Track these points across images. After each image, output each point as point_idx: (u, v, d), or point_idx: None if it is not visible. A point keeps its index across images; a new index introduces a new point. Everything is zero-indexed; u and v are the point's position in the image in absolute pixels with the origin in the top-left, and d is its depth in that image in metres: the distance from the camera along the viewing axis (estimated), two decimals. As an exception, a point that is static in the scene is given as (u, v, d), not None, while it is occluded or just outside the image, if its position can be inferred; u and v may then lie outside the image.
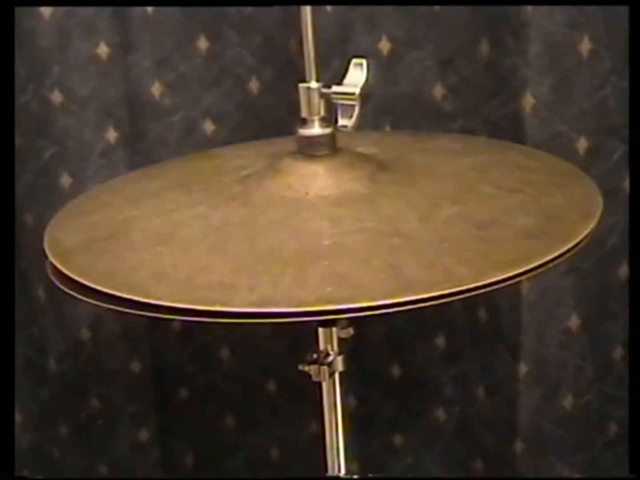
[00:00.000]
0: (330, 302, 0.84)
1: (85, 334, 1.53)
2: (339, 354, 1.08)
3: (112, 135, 1.44)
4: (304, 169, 1.03)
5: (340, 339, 1.08)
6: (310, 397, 1.14)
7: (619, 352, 1.44)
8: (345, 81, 1.02)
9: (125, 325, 1.53)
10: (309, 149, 1.04)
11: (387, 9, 1.36)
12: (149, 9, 1.39)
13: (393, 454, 1.58)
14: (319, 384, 1.11)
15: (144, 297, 0.87)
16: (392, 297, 0.83)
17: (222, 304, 0.84)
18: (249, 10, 1.40)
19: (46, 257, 0.99)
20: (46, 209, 1.34)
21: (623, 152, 1.34)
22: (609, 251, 1.39)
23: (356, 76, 1.02)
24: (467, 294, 0.84)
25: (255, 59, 1.43)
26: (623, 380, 1.42)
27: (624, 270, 1.40)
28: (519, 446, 1.48)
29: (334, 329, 1.08)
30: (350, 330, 1.08)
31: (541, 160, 1.18)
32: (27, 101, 1.40)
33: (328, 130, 1.04)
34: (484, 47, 1.35)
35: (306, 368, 1.08)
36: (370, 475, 1.21)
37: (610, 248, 1.38)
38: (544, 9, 1.28)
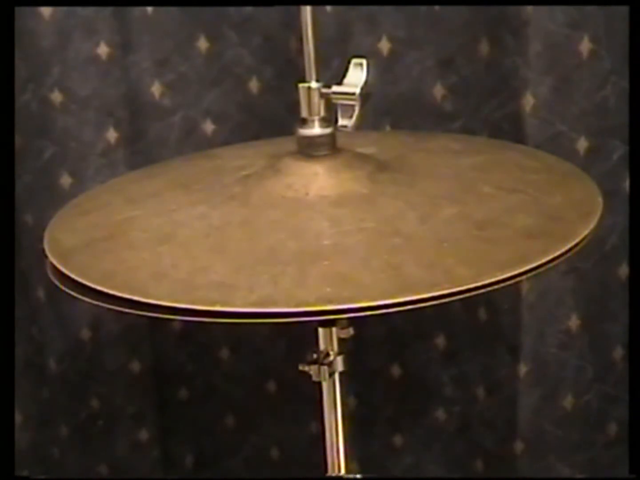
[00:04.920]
0: (330, 302, 0.84)
1: (85, 334, 1.53)
2: (339, 354, 1.08)
3: (112, 135, 1.44)
4: (304, 169, 1.03)
5: (340, 339, 1.08)
6: (310, 397, 1.14)
7: (619, 352, 1.44)
8: (345, 81, 1.02)
9: (125, 325, 1.52)
10: (309, 149, 1.04)
11: (387, 9, 1.36)
12: (149, 9, 1.39)
13: (393, 454, 1.58)
14: (319, 384, 1.11)
15: (144, 297, 0.87)
16: (392, 297, 0.83)
17: (222, 304, 0.84)
18: (249, 10, 1.40)
19: (46, 257, 0.99)
20: (46, 209, 1.35)
21: (623, 152, 1.34)
22: (609, 251, 1.39)
23: (356, 76, 1.01)
24: (467, 294, 0.84)
25: (255, 59, 1.43)
26: (623, 380, 1.42)
27: (624, 270, 1.40)
28: (519, 446, 1.48)
29: (334, 329, 1.08)
30: (350, 330, 1.08)
31: (541, 160, 1.18)
32: (27, 101, 1.39)
33: (328, 130, 1.04)
34: (484, 47, 1.35)
35: (306, 368, 1.07)
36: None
37: (610, 248, 1.38)
38: (544, 9, 1.28)
